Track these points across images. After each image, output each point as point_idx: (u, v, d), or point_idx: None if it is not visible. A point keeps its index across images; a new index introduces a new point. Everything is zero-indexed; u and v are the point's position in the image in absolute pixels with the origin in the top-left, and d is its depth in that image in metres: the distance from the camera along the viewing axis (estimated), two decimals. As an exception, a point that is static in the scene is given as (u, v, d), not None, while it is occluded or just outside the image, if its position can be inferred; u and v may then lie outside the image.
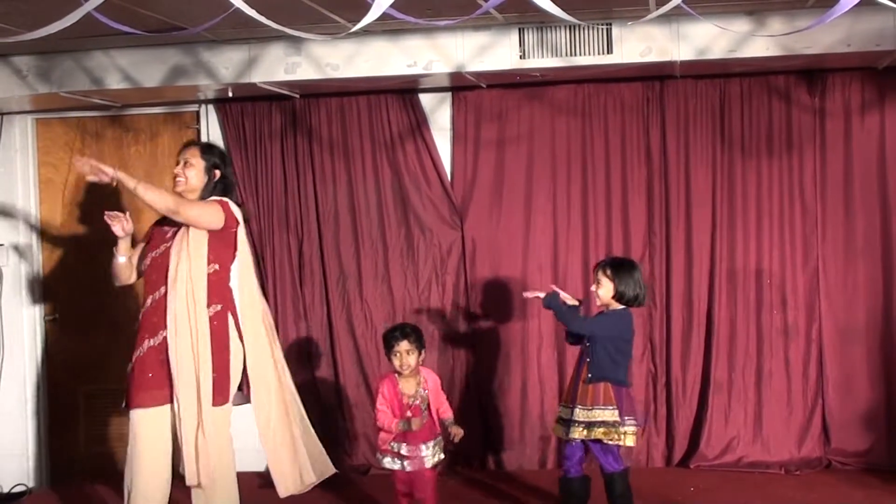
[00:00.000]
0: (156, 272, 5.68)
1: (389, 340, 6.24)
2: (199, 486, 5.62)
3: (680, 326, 7.69)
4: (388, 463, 6.23)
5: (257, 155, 7.88)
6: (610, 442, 6.02)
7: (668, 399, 7.72)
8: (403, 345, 6.16)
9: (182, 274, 5.57)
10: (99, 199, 8.10)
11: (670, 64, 6.89)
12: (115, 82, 7.13)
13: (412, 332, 6.24)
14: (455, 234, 7.80)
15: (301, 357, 7.88)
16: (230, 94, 7.51)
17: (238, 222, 5.74)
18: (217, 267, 5.64)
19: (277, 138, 7.88)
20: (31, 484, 8.11)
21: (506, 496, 7.13)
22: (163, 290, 5.61)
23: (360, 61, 6.95)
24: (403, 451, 6.15)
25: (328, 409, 7.88)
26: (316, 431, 7.67)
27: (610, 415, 6.01)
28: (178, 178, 5.78)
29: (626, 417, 6.05)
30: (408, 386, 6.21)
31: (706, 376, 7.66)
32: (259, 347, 5.77)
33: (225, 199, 5.75)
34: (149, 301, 5.65)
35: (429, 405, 6.24)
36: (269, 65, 7.01)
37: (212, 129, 8.00)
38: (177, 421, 5.57)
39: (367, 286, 7.84)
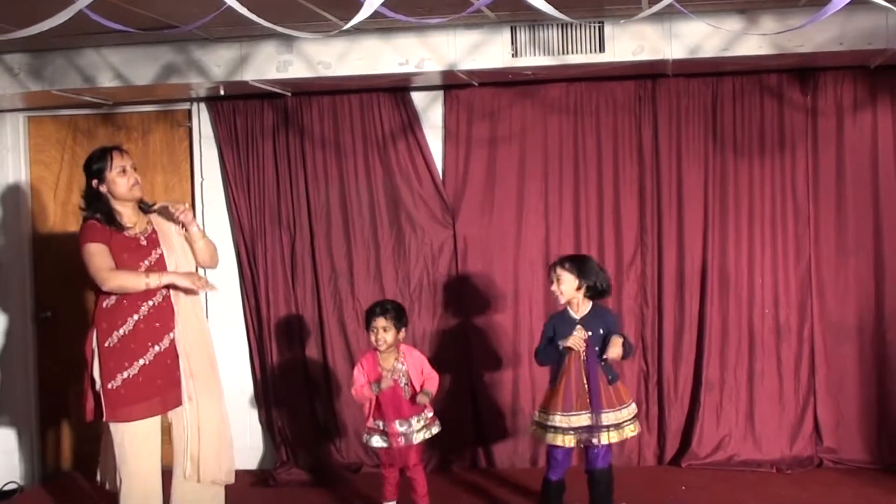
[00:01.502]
0: None
1: (368, 316, 6.38)
2: (215, 483, 5.82)
3: (672, 325, 7.69)
4: (376, 442, 6.32)
5: (249, 153, 7.87)
6: (633, 434, 6.14)
7: (660, 398, 7.72)
8: (380, 321, 6.29)
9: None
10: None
11: (662, 62, 6.89)
12: (106, 80, 7.11)
13: (391, 310, 6.35)
14: (447, 233, 7.79)
15: (292, 354, 7.88)
16: (222, 93, 7.51)
17: None
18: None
19: (269, 136, 7.87)
20: (22, 482, 8.10)
21: (497, 494, 7.12)
22: (161, 295, 5.66)
23: (351, 59, 6.94)
24: (385, 428, 6.27)
25: (319, 406, 7.88)
26: (307, 428, 7.76)
27: (634, 409, 6.14)
28: (137, 185, 5.87)
29: None
30: (387, 360, 6.33)
31: (698, 375, 7.67)
32: None
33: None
34: (143, 309, 5.65)
35: (409, 380, 6.32)
36: (260, 63, 7.00)
37: (203, 128, 8.00)
38: (185, 420, 5.70)
39: (358, 284, 7.83)
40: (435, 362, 7.46)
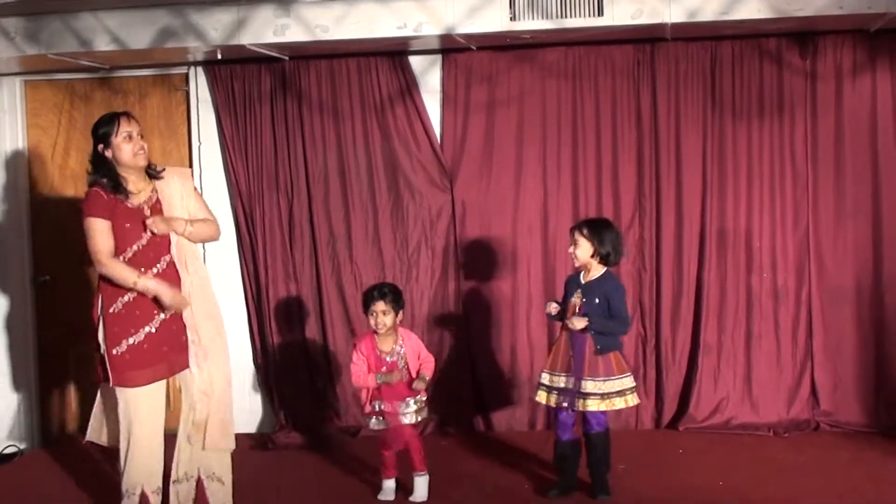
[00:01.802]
0: (153, 250, 5.69)
1: (367, 300, 6.39)
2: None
3: (670, 289, 7.70)
4: (374, 424, 6.35)
5: (247, 117, 7.85)
6: (627, 406, 6.20)
7: (658, 361, 7.74)
8: (380, 305, 6.30)
9: (193, 256, 5.80)
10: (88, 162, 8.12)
11: (661, 26, 6.87)
12: (103, 44, 7.09)
13: (389, 293, 6.35)
14: (445, 197, 7.79)
15: (290, 318, 7.90)
16: (219, 57, 7.47)
17: None
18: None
19: (267, 100, 7.85)
20: (22, 445, 8.13)
21: (495, 457, 7.15)
22: (164, 261, 5.69)
23: (349, 23, 6.92)
24: (383, 408, 6.28)
25: (317, 370, 7.90)
26: (305, 392, 7.78)
27: (629, 381, 6.16)
28: (142, 151, 5.75)
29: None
30: (385, 343, 6.34)
31: (696, 339, 7.69)
32: None
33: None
34: (148, 275, 5.63)
35: (407, 364, 6.34)
36: (258, 27, 6.98)
37: (201, 91, 7.98)
38: (195, 387, 5.75)
39: (356, 248, 7.84)
40: (433, 327, 7.54)
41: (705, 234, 7.61)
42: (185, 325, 5.71)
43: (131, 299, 5.61)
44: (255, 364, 8.04)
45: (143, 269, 5.61)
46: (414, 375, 6.34)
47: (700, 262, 7.64)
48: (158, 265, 5.67)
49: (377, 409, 6.30)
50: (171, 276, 5.69)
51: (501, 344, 7.81)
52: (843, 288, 7.57)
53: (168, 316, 5.65)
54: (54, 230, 8.14)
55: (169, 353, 5.68)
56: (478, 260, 7.78)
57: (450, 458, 7.16)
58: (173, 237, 5.70)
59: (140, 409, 5.64)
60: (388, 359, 6.31)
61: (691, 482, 6.48)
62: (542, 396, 6.31)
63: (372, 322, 6.32)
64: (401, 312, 6.40)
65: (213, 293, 5.94)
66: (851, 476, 6.54)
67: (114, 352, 5.59)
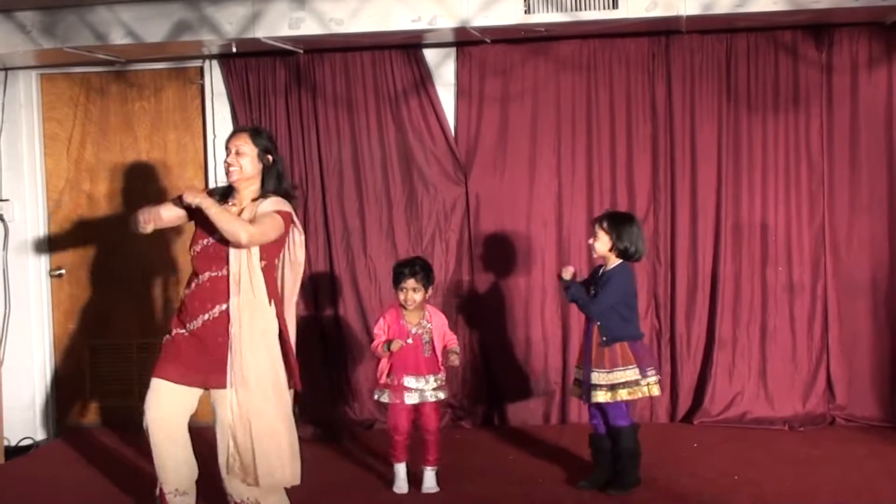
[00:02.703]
0: (207, 257, 5.57)
1: (398, 275, 6.40)
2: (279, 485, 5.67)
3: (685, 283, 7.68)
4: (386, 398, 6.38)
5: (261, 110, 7.87)
6: (633, 398, 6.15)
7: (673, 355, 7.73)
8: (410, 282, 6.33)
9: (241, 265, 5.50)
10: (104, 155, 8.15)
11: (676, 19, 6.85)
12: (118, 38, 7.12)
13: (421, 271, 6.36)
14: (459, 190, 7.79)
15: (306, 312, 7.90)
16: (234, 50, 7.49)
17: (294, 223, 5.69)
18: (266, 262, 5.57)
19: (282, 94, 7.86)
20: (38, 437, 8.17)
21: (510, 450, 7.15)
22: (220, 271, 5.52)
23: (364, 16, 6.93)
24: (406, 384, 6.30)
25: (331, 363, 7.91)
26: (320, 386, 7.76)
27: (632, 374, 6.11)
28: (231, 168, 5.59)
29: (647, 369, 6.16)
30: (412, 316, 6.37)
31: (711, 332, 7.68)
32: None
33: (287, 207, 5.63)
34: (205, 276, 5.54)
35: (432, 340, 6.36)
36: (272, 20, 6.99)
37: (216, 85, 7.99)
38: (231, 411, 5.48)
39: (370, 241, 7.84)
40: (447, 319, 7.50)
41: (720, 227, 7.59)
42: (228, 337, 5.49)
43: (187, 293, 5.59)
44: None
45: (202, 269, 5.54)
46: (438, 354, 6.36)
47: (715, 256, 7.63)
48: (213, 272, 5.53)
49: (393, 382, 6.31)
50: (222, 281, 5.51)
51: (516, 337, 7.81)
52: (859, 281, 7.55)
53: (211, 318, 5.50)
54: (70, 223, 8.17)
55: (202, 363, 5.50)
56: (492, 253, 7.77)
57: (464, 451, 7.16)
58: (234, 258, 5.49)
59: (151, 396, 5.52)
60: (413, 330, 6.32)
61: (706, 476, 6.46)
62: (573, 391, 6.42)
63: (402, 297, 6.34)
64: (430, 289, 6.43)
65: (269, 344, 5.59)
66: (867, 470, 6.52)
67: (164, 338, 5.63)
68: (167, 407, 5.55)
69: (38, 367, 8.23)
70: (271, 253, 5.61)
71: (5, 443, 7.67)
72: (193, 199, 5.42)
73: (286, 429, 5.60)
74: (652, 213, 7.67)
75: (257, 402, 5.47)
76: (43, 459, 7.56)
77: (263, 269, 5.54)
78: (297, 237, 5.75)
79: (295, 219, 5.68)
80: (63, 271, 8.21)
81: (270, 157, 5.65)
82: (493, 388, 7.87)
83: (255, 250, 5.49)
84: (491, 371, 7.85)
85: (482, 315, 7.83)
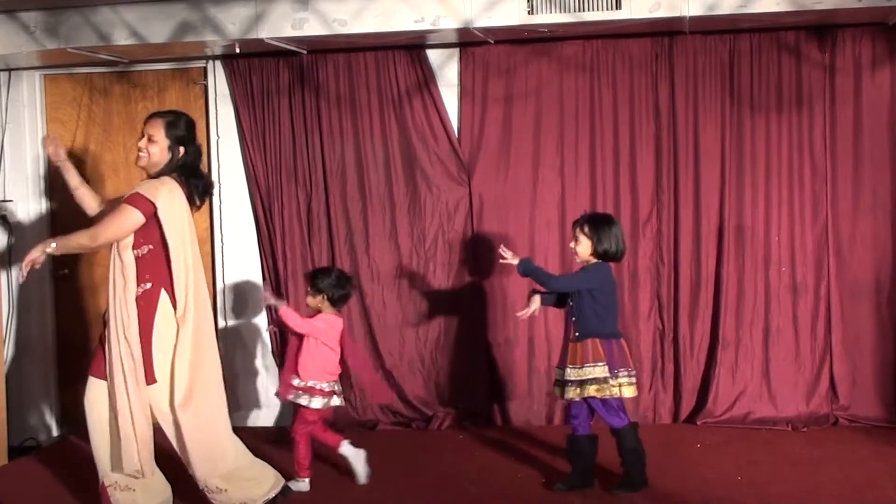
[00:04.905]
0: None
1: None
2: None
3: (688, 283, 7.68)
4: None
5: (265, 111, 7.88)
6: (601, 396, 6.06)
7: (676, 356, 7.73)
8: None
9: (114, 256, 5.55)
10: (107, 156, 8.15)
11: (679, 20, 6.85)
12: (122, 38, 7.13)
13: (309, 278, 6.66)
14: (462, 191, 7.79)
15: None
16: (237, 51, 7.50)
17: (154, 205, 5.46)
18: (151, 247, 5.51)
19: (285, 94, 7.87)
20: (41, 438, 8.17)
21: (513, 451, 7.14)
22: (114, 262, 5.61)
23: (367, 17, 6.94)
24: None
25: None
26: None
27: (600, 371, 6.06)
28: (140, 153, 5.62)
29: (619, 370, 6.09)
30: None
31: (714, 333, 7.68)
32: (195, 324, 5.65)
33: (137, 191, 5.50)
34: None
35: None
36: (276, 21, 7.00)
37: (219, 85, 8.00)
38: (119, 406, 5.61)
39: (374, 242, 7.85)
40: (450, 319, 7.51)
41: (723, 228, 7.59)
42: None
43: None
44: (273, 358, 8.05)
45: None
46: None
47: (718, 257, 7.63)
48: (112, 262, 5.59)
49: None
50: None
51: (518, 338, 7.80)
52: (862, 282, 7.55)
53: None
54: (74, 223, 8.15)
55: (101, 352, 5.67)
56: (495, 253, 7.73)
57: (467, 452, 7.16)
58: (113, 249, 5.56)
59: (87, 396, 5.77)
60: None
61: (709, 476, 6.46)
62: (555, 391, 6.37)
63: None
64: (322, 297, 6.58)
65: (134, 306, 5.55)
66: (870, 471, 6.52)
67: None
68: (94, 409, 5.75)
69: (41, 367, 8.24)
70: (151, 237, 5.51)
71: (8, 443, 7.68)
72: (54, 150, 5.89)
73: (145, 422, 5.61)
74: (655, 214, 7.67)
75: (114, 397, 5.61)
76: (46, 460, 7.54)
77: (148, 254, 5.50)
78: (172, 213, 5.51)
79: (160, 194, 5.48)
80: (67, 272, 8.22)
81: (182, 149, 5.61)
82: (496, 388, 7.86)
83: (127, 241, 5.48)
84: (493, 372, 7.85)
85: (485, 315, 7.83)
